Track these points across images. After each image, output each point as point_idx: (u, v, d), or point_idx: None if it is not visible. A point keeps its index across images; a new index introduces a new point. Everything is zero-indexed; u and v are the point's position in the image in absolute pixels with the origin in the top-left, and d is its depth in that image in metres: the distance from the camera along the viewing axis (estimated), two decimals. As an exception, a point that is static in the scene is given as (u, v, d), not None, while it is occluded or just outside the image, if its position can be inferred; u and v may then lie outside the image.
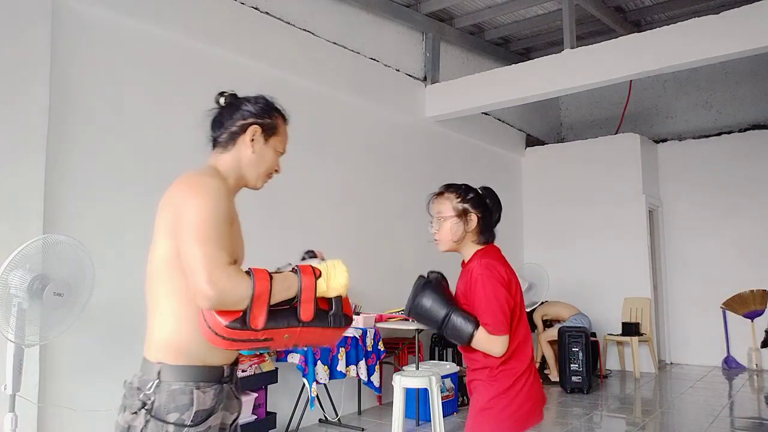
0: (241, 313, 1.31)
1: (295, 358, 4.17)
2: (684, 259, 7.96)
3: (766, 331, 7.00)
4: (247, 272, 1.34)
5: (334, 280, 1.44)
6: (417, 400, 4.81)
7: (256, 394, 3.99)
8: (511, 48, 7.93)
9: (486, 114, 7.55)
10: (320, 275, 1.43)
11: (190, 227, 1.35)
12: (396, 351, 5.34)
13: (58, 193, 3.38)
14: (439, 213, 1.99)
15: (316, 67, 5.22)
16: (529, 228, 8.47)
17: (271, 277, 1.36)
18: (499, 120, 7.95)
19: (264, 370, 4.02)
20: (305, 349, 4.12)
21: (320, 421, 4.79)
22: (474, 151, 7.48)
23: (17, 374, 2.68)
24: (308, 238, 4.93)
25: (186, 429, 1.38)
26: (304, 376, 4.14)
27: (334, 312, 1.44)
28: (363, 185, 5.67)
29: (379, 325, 4.80)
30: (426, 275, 2.00)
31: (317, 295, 1.41)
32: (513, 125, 8.31)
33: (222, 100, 1.59)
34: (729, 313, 7.54)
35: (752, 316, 7.35)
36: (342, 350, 4.39)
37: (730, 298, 7.51)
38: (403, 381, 3.83)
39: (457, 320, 1.85)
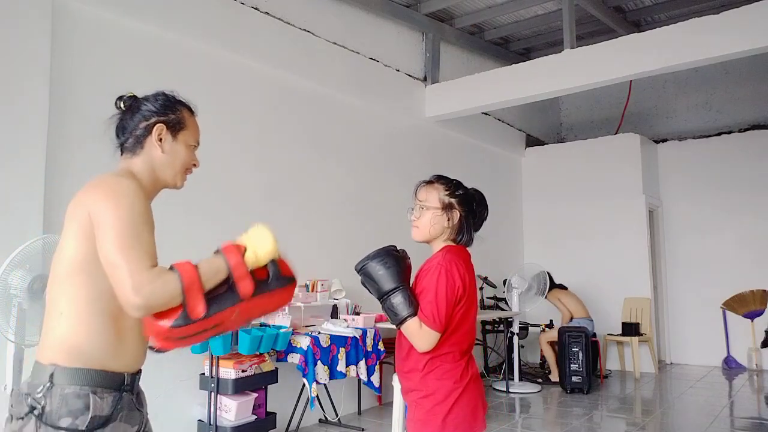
0: (182, 309, 1.27)
1: (295, 358, 4.17)
2: (684, 259, 7.96)
3: (766, 331, 7.00)
4: (171, 268, 1.29)
5: (261, 249, 1.40)
6: (417, 400, 4.80)
7: (256, 394, 3.98)
8: (511, 48, 7.93)
9: (486, 114, 7.55)
10: (246, 249, 1.39)
11: (111, 235, 1.30)
12: (396, 351, 5.33)
13: (58, 193, 3.38)
14: (424, 201, 1.94)
15: (316, 67, 5.22)
16: (529, 228, 8.48)
17: (196, 266, 1.32)
18: (499, 120, 7.95)
19: (264, 370, 4.02)
20: (305, 348, 4.12)
21: (320, 421, 4.79)
22: (474, 151, 7.48)
23: (17, 374, 2.67)
24: (308, 238, 4.93)
25: None
26: (304, 376, 4.13)
27: (272, 277, 1.41)
28: (363, 185, 5.67)
29: (379, 325, 4.80)
30: (396, 247, 1.94)
31: (250, 267, 1.38)
32: (513, 125, 8.31)
33: (122, 104, 1.54)
34: (729, 313, 7.54)
35: (752, 316, 7.35)
36: (342, 350, 4.39)
37: (730, 298, 7.51)
38: (403, 381, 3.82)
39: (400, 299, 1.81)
